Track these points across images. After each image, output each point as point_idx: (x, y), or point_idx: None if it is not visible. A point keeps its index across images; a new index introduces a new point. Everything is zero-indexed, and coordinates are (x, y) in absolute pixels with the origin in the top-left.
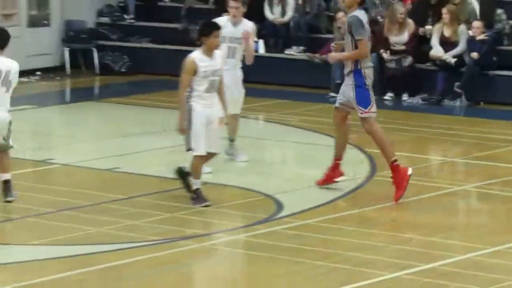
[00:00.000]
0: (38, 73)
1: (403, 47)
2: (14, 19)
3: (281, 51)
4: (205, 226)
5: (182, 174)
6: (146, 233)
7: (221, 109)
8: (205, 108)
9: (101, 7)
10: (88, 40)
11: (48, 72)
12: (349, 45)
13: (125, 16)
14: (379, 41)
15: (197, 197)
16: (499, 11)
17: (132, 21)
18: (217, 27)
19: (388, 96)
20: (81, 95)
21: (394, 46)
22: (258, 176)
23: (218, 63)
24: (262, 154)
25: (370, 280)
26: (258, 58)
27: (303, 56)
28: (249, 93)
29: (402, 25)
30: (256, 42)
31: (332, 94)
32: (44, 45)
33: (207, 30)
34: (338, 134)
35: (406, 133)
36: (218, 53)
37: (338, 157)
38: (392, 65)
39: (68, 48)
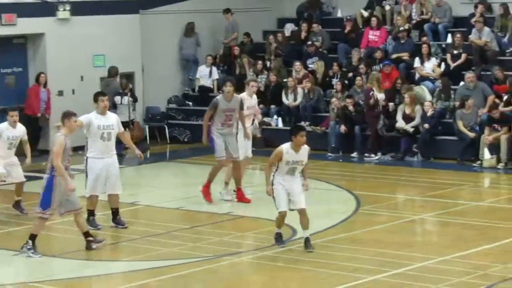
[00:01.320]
0: None
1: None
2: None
3: None
4: (240, 246)
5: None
6: (204, 251)
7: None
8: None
9: (170, 96)
10: (161, 120)
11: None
12: None
13: (187, 102)
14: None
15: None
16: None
17: (191, 106)
18: (303, 128)
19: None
20: (157, 157)
21: None
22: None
23: (302, 155)
24: None
25: (358, 281)
26: (278, 130)
27: (309, 128)
28: None
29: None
30: (277, 119)
31: (330, 154)
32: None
33: (295, 130)
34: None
35: (382, 180)
36: (305, 148)
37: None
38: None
39: (147, 126)
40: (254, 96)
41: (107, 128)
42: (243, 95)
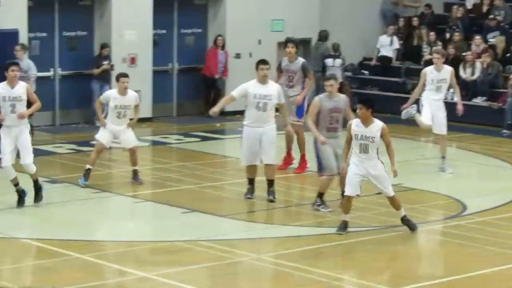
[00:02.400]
0: None
1: None
2: None
3: (469, 100)
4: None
5: None
6: (370, 221)
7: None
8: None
9: (347, 64)
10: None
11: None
12: None
13: (363, 71)
14: None
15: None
16: None
17: (367, 75)
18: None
19: None
20: None
21: None
22: (451, 185)
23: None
24: (455, 170)
25: None
26: (453, 104)
27: (485, 103)
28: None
29: None
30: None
31: (505, 131)
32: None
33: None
34: None
35: None
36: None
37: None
38: None
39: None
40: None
41: (264, 98)
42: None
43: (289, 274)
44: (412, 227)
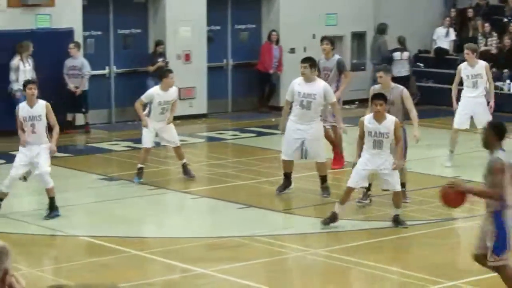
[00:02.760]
0: (356, 102)
1: None
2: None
3: None
4: (468, 211)
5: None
6: (428, 214)
7: None
8: None
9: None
10: None
11: (362, 101)
12: None
13: (418, 64)
14: None
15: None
16: None
17: (422, 67)
18: None
19: None
20: None
21: None
22: None
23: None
24: None
25: None
26: (510, 95)
27: None
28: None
29: None
30: (510, 84)
31: None
32: (361, 83)
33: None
34: None
35: None
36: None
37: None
38: None
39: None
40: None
41: (308, 96)
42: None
43: (345, 268)
44: (399, 224)
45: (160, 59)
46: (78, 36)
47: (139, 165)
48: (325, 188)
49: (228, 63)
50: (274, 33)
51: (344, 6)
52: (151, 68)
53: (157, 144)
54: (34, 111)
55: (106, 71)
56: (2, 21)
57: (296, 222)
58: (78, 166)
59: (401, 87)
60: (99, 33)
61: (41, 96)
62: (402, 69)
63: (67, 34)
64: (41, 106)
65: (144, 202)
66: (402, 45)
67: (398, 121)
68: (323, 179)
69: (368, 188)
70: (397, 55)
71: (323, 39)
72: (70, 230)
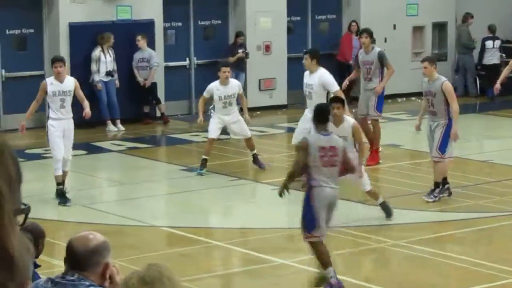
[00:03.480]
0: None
1: None
2: (422, 56)
3: None
4: None
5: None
6: (510, 205)
7: None
8: None
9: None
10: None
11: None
12: None
13: (501, 54)
14: None
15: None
16: None
17: (504, 58)
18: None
19: None
20: (466, 109)
21: None
22: None
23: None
24: None
25: None
26: None
27: None
28: None
29: None
30: None
31: None
32: (442, 74)
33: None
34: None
35: None
36: None
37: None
38: None
39: (457, 77)
40: None
41: (308, 87)
42: None
43: (428, 260)
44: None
45: (240, 50)
46: (159, 28)
47: (204, 156)
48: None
49: None
50: (354, 23)
51: None
52: (231, 59)
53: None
54: (64, 86)
55: (186, 62)
56: (83, 13)
57: (377, 213)
58: (159, 156)
59: (444, 78)
60: (179, 24)
61: (121, 87)
62: (493, 57)
63: (148, 26)
64: (71, 81)
65: (225, 193)
66: (493, 33)
67: (356, 123)
68: None
69: (444, 182)
70: (489, 43)
71: (362, 31)
72: (151, 221)
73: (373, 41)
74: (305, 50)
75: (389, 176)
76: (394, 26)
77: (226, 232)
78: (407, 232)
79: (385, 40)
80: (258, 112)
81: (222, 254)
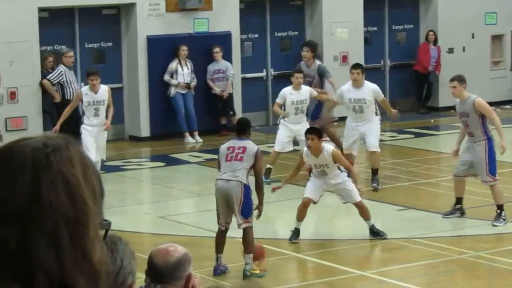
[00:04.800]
0: None
1: None
2: (501, 65)
3: None
4: None
5: None
6: None
7: None
8: None
9: None
10: None
11: None
12: None
13: None
14: None
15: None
16: None
17: None
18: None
19: None
20: None
21: None
22: None
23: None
24: None
25: None
26: None
27: None
28: None
29: None
30: None
31: None
32: None
33: None
34: None
35: None
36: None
37: None
38: None
39: None
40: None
41: (358, 101)
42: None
43: (509, 272)
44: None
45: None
46: (236, 39)
47: (268, 166)
48: (376, 180)
49: (386, 64)
50: (431, 33)
51: (504, 4)
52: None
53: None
54: (98, 96)
55: (263, 74)
56: (161, 26)
57: (457, 224)
58: None
59: (473, 96)
60: (256, 36)
61: (198, 99)
62: None
63: (225, 38)
64: (104, 91)
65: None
66: None
67: (335, 150)
68: (375, 171)
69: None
70: None
71: (304, 45)
72: (229, 232)
73: (314, 55)
74: (353, 65)
75: (473, 187)
76: (473, 35)
77: (304, 243)
78: (489, 243)
79: (464, 49)
80: (336, 123)
81: (300, 266)
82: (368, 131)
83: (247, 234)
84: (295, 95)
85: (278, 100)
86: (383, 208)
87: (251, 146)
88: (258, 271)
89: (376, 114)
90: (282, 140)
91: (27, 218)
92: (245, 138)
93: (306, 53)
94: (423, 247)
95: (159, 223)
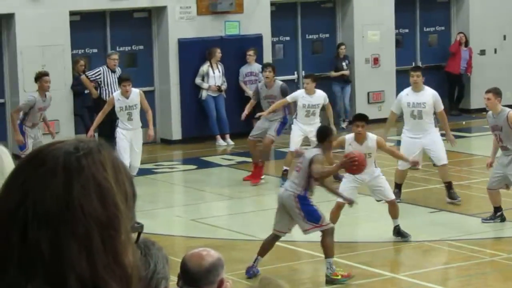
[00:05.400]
0: None
1: None
2: None
3: None
4: None
5: None
6: None
7: None
8: None
9: None
10: None
11: None
12: None
13: None
14: None
15: None
16: None
17: None
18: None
19: None
20: None
21: None
22: None
23: None
24: None
25: None
26: None
27: None
28: None
29: None
30: None
31: None
32: None
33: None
34: None
35: None
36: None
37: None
38: None
39: None
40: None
41: (417, 106)
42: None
43: None
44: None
45: (344, 63)
46: (267, 42)
47: (284, 167)
48: (451, 194)
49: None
50: (461, 34)
51: None
52: (333, 74)
53: None
54: (130, 101)
55: (294, 76)
56: (192, 29)
57: (490, 226)
58: (268, 170)
59: (507, 109)
60: (287, 38)
61: (229, 102)
62: None
63: (256, 40)
64: (136, 95)
65: (331, 205)
66: None
67: (379, 137)
68: (449, 185)
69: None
70: None
71: (266, 66)
72: (260, 234)
73: (274, 75)
74: (414, 67)
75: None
76: (504, 37)
77: (337, 245)
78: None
79: (495, 51)
80: (369, 125)
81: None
82: (431, 145)
83: (323, 238)
84: (307, 99)
85: (288, 98)
86: (415, 210)
87: (308, 154)
88: (340, 277)
89: (435, 126)
90: (296, 139)
91: (59, 221)
92: (319, 147)
93: (269, 73)
94: (456, 249)
95: (190, 226)
